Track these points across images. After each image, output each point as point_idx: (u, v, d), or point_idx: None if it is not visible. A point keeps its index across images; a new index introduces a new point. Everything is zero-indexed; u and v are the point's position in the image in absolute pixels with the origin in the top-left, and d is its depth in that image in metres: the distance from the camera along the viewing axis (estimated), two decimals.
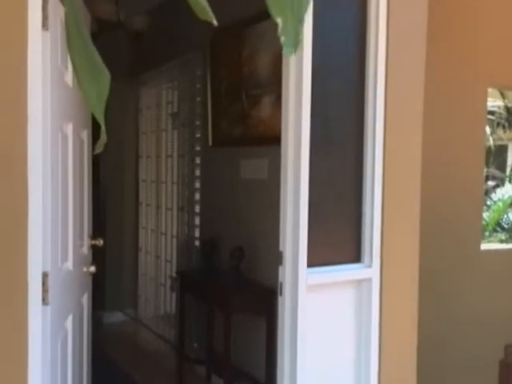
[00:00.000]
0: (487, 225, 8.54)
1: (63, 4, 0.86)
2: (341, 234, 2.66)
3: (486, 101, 4.15)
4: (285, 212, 2.42)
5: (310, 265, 2.42)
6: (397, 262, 2.73)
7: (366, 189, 2.63)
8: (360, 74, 2.61)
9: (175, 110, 5.21)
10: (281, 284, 2.45)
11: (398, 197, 2.71)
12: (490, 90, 4.43)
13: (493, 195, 9.55)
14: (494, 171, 11.25)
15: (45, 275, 1.83)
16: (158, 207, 5.52)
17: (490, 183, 10.13)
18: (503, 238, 8.59)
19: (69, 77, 2.18)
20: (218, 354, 3.76)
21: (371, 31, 2.59)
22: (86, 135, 2.65)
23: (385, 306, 2.67)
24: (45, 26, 1.80)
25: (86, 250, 2.69)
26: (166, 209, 5.35)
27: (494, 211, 9.04)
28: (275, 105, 3.30)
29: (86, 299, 2.73)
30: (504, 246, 7.62)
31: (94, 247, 2.82)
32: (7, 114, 1.79)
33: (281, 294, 2.46)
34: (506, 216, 9.20)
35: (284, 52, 0.80)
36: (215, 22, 0.79)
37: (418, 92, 2.75)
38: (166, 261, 5.34)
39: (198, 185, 4.67)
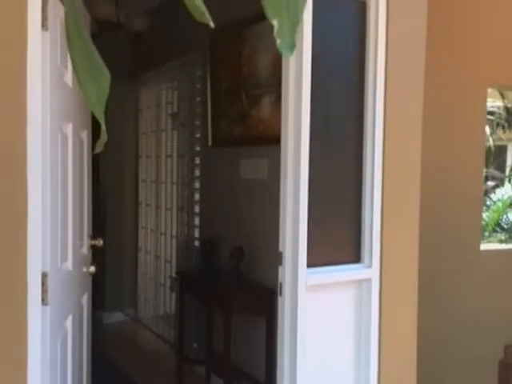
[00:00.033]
0: (487, 225, 8.54)
1: (63, 4, 0.86)
2: (341, 234, 2.66)
3: (485, 101, 4.15)
4: (284, 212, 2.42)
5: (309, 265, 2.42)
6: (397, 262, 2.74)
7: (365, 189, 2.63)
8: (360, 76, 2.62)
9: (175, 110, 5.21)
10: (281, 284, 2.45)
11: (397, 197, 2.71)
12: (489, 90, 4.43)
13: (492, 195, 9.56)
14: (493, 171, 11.26)
15: (44, 275, 1.83)
16: (158, 207, 5.52)
17: (490, 183, 10.14)
18: (503, 238, 8.59)
19: (68, 77, 2.18)
20: (218, 354, 3.76)
21: (371, 35, 2.59)
22: (85, 135, 2.65)
23: (384, 306, 2.68)
24: (44, 26, 1.80)
25: (85, 250, 2.69)
26: (166, 209, 5.35)
27: (493, 211, 9.05)
28: (275, 105, 3.30)
29: (85, 299, 2.73)
30: (504, 246, 7.62)
31: (93, 247, 2.82)
32: (7, 114, 1.79)
33: (281, 294, 2.46)
34: (505, 216, 9.21)
35: (284, 53, 0.80)
36: (212, 24, 0.78)
37: (417, 94, 2.76)
38: (166, 261, 5.34)
39: (197, 185, 4.67)
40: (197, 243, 4.64)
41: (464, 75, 3.90)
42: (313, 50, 2.36)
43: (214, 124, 4.15)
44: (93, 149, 2.74)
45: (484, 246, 4.85)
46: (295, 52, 2.33)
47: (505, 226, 9.10)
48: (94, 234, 2.84)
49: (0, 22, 1.76)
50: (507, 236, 8.66)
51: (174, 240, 5.15)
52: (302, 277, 2.39)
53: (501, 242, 8.30)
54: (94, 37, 0.92)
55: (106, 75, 0.88)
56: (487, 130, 9.00)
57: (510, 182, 10.78)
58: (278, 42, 0.78)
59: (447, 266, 3.87)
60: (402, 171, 2.73)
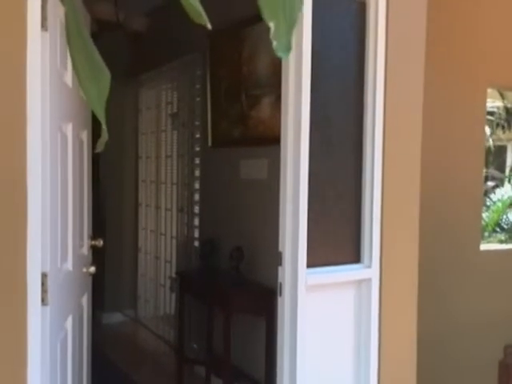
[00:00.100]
0: (487, 225, 8.55)
1: (63, 4, 0.86)
2: (340, 235, 2.66)
3: (485, 101, 4.15)
4: (284, 212, 2.42)
5: (309, 265, 2.42)
6: (396, 262, 2.74)
7: (365, 189, 2.63)
8: (359, 76, 2.62)
9: (175, 110, 5.21)
10: (280, 284, 2.45)
11: (397, 197, 2.71)
12: (489, 90, 4.43)
13: (492, 196, 9.56)
14: (493, 172, 11.26)
15: (44, 276, 1.83)
16: (158, 208, 5.52)
17: (490, 184, 10.14)
18: (503, 238, 8.59)
19: (68, 77, 2.18)
20: (218, 354, 3.76)
21: (370, 35, 2.59)
22: (85, 135, 2.65)
23: (384, 307, 2.68)
24: (44, 26, 1.80)
25: (85, 250, 2.69)
26: (166, 209, 5.35)
27: (493, 212, 9.05)
28: (275, 105, 3.30)
29: (85, 300, 2.73)
30: (503, 246, 7.62)
31: (93, 248, 2.82)
32: (6, 114, 1.79)
33: (280, 295, 2.46)
34: (505, 216, 9.21)
35: (280, 55, 0.80)
36: (209, 26, 0.78)
37: (417, 94, 2.76)
38: (166, 261, 5.34)
39: (197, 185, 4.67)
40: (197, 243, 4.64)
41: (464, 75, 3.90)
42: (312, 50, 2.36)
43: (214, 124, 4.15)
44: (93, 148, 2.74)
45: (484, 247, 4.86)
46: (295, 52, 2.33)
47: (505, 227, 9.11)
48: (94, 235, 2.84)
49: None
50: (507, 236, 8.67)
51: (174, 240, 5.15)
52: (301, 277, 2.39)
53: (501, 242, 8.31)
54: (94, 37, 0.92)
55: (106, 74, 0.88)
56: (487, 130, 9.00)
57: (509, 182, 10.79)
58: (275, 43, 0.78)
59: (447, 266, 3.87)
60: (402, 171, 2.73)
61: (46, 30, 1.81)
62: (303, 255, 2.39)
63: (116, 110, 5.10)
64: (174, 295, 4.97)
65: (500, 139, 12.08)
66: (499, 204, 9.23)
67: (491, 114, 10.55)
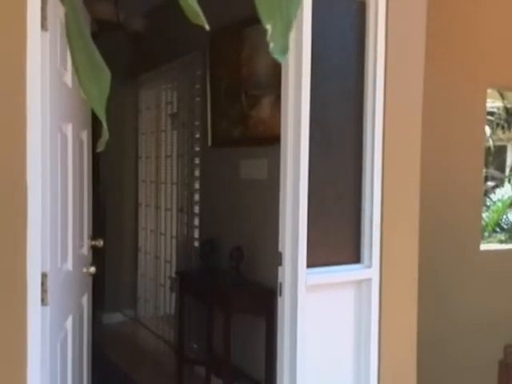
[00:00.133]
0: (487, 225, 8.55)
1: (63, 4, 0.86)
2: (340, 235, 2.66)
3: (485, 102, 4.15)
4: (284, 212, 2.42)
5: (309, 265, 2.42)
6: (396, 262, 2.74)
7: (365, 189, 2.63)
8: (359, 76, 2.61)
9: (175, 110, 5.21)
10: (280, 284, 2.45)
11: (397, 197, 2.71)
12: (489, 91, 4.43)
13: (492, 196, 9.56)
14: (493, 172, 11.27)
15: (44, 276, 1.83)
16: (158, 208, 5.52)
17: (490, 184, 10.14)
18: (503, 238, 8.60)
19: (68, 77, 2.18)
20: (218, 354, 3.76)
21: (370, 34, 2.59)
22: (85, 136, 2.65)
23: (384, 307, 2.68)
24: (44, 26, 1.80)
25: (85, 250, 2.69)
26: (166, 209, 5.35)
27: (493, 212, 9.05)
28: (274, 105, 3.30)
29: (85, 300, 2.73)
30: (503, 246, 7.63)
31: (94, 248, 2.82)
32: (6, 114, 1.79)
33: (280, 295, 2.46)
34: (505, 216, 9.21)
35: (276, 57, 0.79)
36: (207, 27, 0.78)
37: (416, 94, 2.76)
38: (166, 261, 5.34)
39: (197, 185, 4.67)
40: (196, 243, 4.64)
41: (464, 76, 3.90)
42: (312, 50, 2.36)
43: (214, 124, 4.15)
44: (94, 148, 2.74)
45: (484, 247, 4.86)
46: (295, 52, 2.33)
47: (504, 227, 9.11)
48: (94, 235, 2.84)
49: None
50: (507, 236, 8.67)
51: (174, 240, 5.15)
52: (301, 277, 2.39)
53: (501, 242, 8.31)
54: (94, 37, 0.92)
55: (106, 74, 0.88)
56: (487, 130, 9.00)
57: (509, 182, 10.79)
58: (271, 46, 0.78)
59: (447, 266, 3.87)
60: (402, 171, 2.73)
61: (46, 30, 1.81)
62: (303, 255, 2.39)
63: (116, 110, 5.10)
64: (173, 295, 4.97)
65: (500, 139, 12.08)
66: (499, 204, 9.23)
67: (491, 114, 10.55)
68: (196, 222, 4.68)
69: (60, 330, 2.13)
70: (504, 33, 4.06)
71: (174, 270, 5.05)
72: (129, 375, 4.43)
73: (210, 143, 4.23)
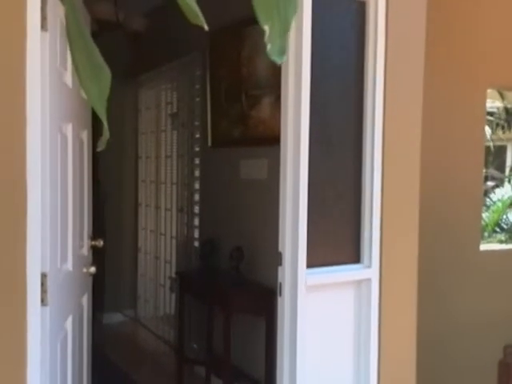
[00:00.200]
0: (486, 225, 8.54)
1: (63, 3, 0.86)
2: (340, 235, 2.66)
3: (485, 102, 4.15)
4: (284, 212, 2.42)
5: (309, 265, 2.42)
6: (396, 262, 2.74)
7: (365, 189, 2.63)
8: (359, 76, 2.61)
9: (174, 110, 5.21)
10: (280, 284, 2.45)
11: (397, 197, 2.71)
12: (489, 91, 4.43)
13: (492, 196, 9.56)
14: (493, 172, 11.26)
15: (44, 276, 1.83)
16: (158, 208, 5.52)
17: (489, 184, 10.14)
18: (502, 238, 8.59)
19: (68, 77, 2.18)
20: (218, 354, 3.76)
21: (370, 34, 2.59)
22: (85, 136, 2.65)
23: (384, 307, 2.68)
24: (43, 26, 1.80)
25: (86, 250, 2.69)
26: (166, 209, 5.35)
27: (493, 212, 9.05)
28: (274, 105, 3.30)
29: (85, 300, 2.73)
30: (503, 246, 7.62)
31: (93, 248, 2.82)
32: (6, 114, 1.79)
33: (280, 295, 2.46)
34: (505, 217, 9.21)
35: (273, 59, 0.79)
36: (206, 27, 0.78)
37: (416, 94, 2.76)
38: (166, 261, 5.34)
39: (197, 185, 4.67)
40: (196, 244, 4.64)
41: (464, 76, 3.90)
42: (312, 50, 2.36)
43: (214, 124, 4.15)
44: (94, 148, 2.74)
45: (484, 247, 4.85)
46: (295, 52, 2.33)
47: (504, 227, 9.10)
48: (94, 235, 2.84)
49: None
50: (507, 236, 8.67)
51: (174, 240, 5.15)
52: (301, 277, 2.39)
53: (500, 242, 8.31)
54: (94, 37, 0.92)
55: (106, 73, 0.88)
56: (487, 130, 9.00)
57: (509, 182, 10.79)
58: (269, 47, 0.78)
59: (447, 266, 3.87)
60: (402, 171, 2.73)
61: (46, 30, 1.81)
62: (303, 255, 2.39)
63: (116, 110, 5.08)
64: (173, 295, 4.97)
65: (500, 139, 12.08)
66: (499, 204, 9.23)
67: (491, 114, 10.55)
68: (196, 222, 4.68)
69: (60, 331, 2.13)
70: (504, 33, 4.06)
71: (173, 270, 5.05)
72: (129, 375, 4.42)
73: (209, 143, 4.23)
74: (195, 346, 4.45)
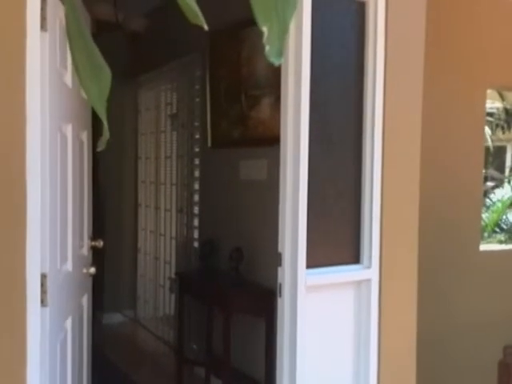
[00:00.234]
0: (486, 226, 8.55)
1: (63, 3, 0.86)
2: (340, 235, 2.66)
3: (484, 102, 4.16)
4: (284, 213, 2.42)
5: (309, 266, 2.42)
6: (396, 262, 2.73)
7: (364, 189, 2.63)
8: (359, 76, 2.61)
9: (174, 111, 5.21)
10: (280, 285, 2.45)
11: (396, 197, 2.71)
12: (488, 91, 4.43)
13: (492, 196, 9.57)
14: (492, 172, 11.27)
15: (43, 276, 1.83)
16: (157, 208, 5.52)
17: (489, 184, 10.15)
18: (502, 238, 8.59)
19: (68, 78, 2.18)
20: (217, 355, 3.76)
21: (370, 35, 2.59)
22: (85, 136, 2.65)
23: (384, 307, 2.67)
24: (43, 27, 1.80)
25: (85, 251, 2.69)
26: (165, 210, 5.35)
27: (493, 212, 9.05)
28: (274, 106, 3.30)
29: (85, 300, 2.73)
30: (503, 246, 7.62)
31: (93, 248, 2.82)
32: (6, 115, 1.79)
33: (280, 295, 2.46)
34: (504, 217, 9.21)
35: (271, 60, 0.79)
36: (206, 27, 0.78)
37: (416, 95, 2.76)
38: (165, 262, 5.34)
39: (197, 186, 4.67)
40: (196, 244, 4.63)
41: (463, 76, 3.90)
42: (312, 50, 2.36)
43: (214, 125, 4.15)
44: (94, 148, 2.74)
45: (483, 247, 4.86)
46: (294, 52, 2.33)
47: (504, 227, 9.11)
48: (94, 235, 2.84)
49: None
50: (506, 237, 8.67)
51: (174, 241, 5.15)
52: (301, 277, 2.39)
53: (500, 242, 8.31)
54: (93, 37, 0.92)
55: (106, 73, 0.88)
56: (487, 131, 9.01)
57: (509, 182, 10.79)
58: (267, 48, 0.78)
59: (447, 266, 3.87)
60: (402, 171, 2.73)
61: (46, 30, 1.81)
62: (303, 256, 2.39)
63: (115, 110, 5.07)
64: (173, 296, 4.97)
65: (499, 140, 12.09)
66: (499, 204, 9.23)
67: (491, 115, 10.56)
68: (196, 222, 4.68)
69: (60, 331, 2.13)
70: (504, 33, 4.06)
71: (173, 270, 5.05)
72: (128, 376, 4.42)
73: (209, 144, 4.23)
74: (195, 346, 4.45)
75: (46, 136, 1.84)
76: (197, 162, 4.65)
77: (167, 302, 5.24)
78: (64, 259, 2.18)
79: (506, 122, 11.67)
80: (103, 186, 5.61)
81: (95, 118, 0.90)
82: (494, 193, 9.84)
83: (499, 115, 11.46)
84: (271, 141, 3.01)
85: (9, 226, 1.80)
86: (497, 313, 4.06)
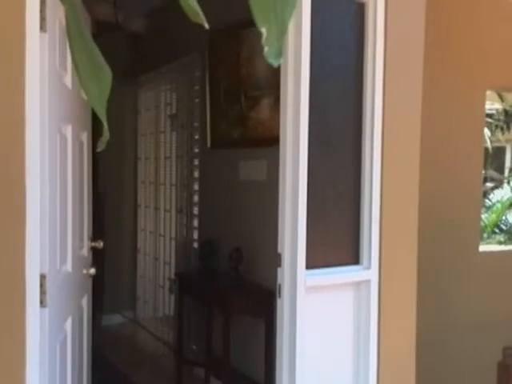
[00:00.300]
0: (486, 226, 8.55)
1: (63, 3, 0.86)
2: (339, 236, 2.66)
3: (484, 103, 4.16)
4: (283, 213, 2.42)
5: (308, 266, 2.42)
6: (396, 263, 2.73)
7: (364, 190, 2.63)
8: (358, 77, 2.61)
9: (174, 111, 5.21)
10: (279, 286, 2.45)
11: (396, 198, 2.71)
12: (488, 92, 4.43)
13: (491, 197, 9.57)
14: (492, 173, 11.28)
15: (43, 277, 1.83)
16: (157, 209, 5.52)
17: (489, 185, 10.15)
18: (502, 239, 8.59)
19: (68, 79, 2.17)
20: (217, 355, 3.76)
21: (369, 36, 2.59)
22: (85, 137, 2.65)
23: (383, 308, 2.67)
24: (43, 27, 1.80)
25: (85, 252, 2.68)
26: (165, 210, 5.35)
27: (492, 213, 9.05)
28: (274, 106, 3.30)
29: (85, 301, 2.73)
30: (502, 247, 7.62)
31: (93, 249, 2.82)
32: (5, 116, 1.79)
33: (279, 296, 2.46)
34: (504, 218, 9.21)
35: (270, 61, 0.79)
36: (207, 26, 0.78)
37: (415, 96, 2.76)
38: (165, 263, 5.34)
39: (196, 186, 4.67)
40: (196, 245, 4.63)
41: (463, 77, 3.90)
42: (311, 51, 2.36)
43: (213, 125, 4.15)
44: (94, 148, 2.74)
45: (483, 248, 4.86)
46: (294, 53, 2.33)
47: (504, 228, 9.11)
48: (94, 236, 2.84)
49: None
50: (506, 237, 8.67)
51: (173, 242, 5.15)
52: (300, 278, 2.39)
53: (500, 243, 8.31)
54: (93, 37, 0.92)
55: (107, 73, 0.88)
56: (486, 132, 9.01)
57: (508, 183, 10.80)
58: (266, 49, 0.78)
59: (446, 267, 3.87)
60: (401, 172, 2.73)
61: (45, 31, 1.81)
62: (302, 256, 2.39)
63: (115, 111, 5.06)
64: (173, 296, 4.97)
65: (499, 140, 12.10)
66: (498, 205, 9.23)
67: (490, 116, 10.56)
68: (195, 223, 4.68)
69: (59, 332, 2.13)
70: (503, 34, 4.06)
71: (173, 271, 5.05)
72: (128, 377, 4.42)
73: (209, 144, 4.23)
74: (194, 347, 4.45)
75: (45, 137, 1.84)
76: (196, 162, 4.65)
77: (167, 303, 5.24)
78: (64, 260, 2.18)
79: (506, 123, 11.67)
80: (103, 187, 5.61)
81: (95, 118, 0.90)
82: (494, 193, 9.84)
83: (498, 116, 11.46)
84: (271, 141, 3.01)
85: (8, 226, 1.79)
86: (496, 314, 4.06)
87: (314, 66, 2.38)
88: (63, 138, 2.16)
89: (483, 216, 8.08)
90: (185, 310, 4.18)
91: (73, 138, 2.32)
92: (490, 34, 4.00)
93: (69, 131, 2.26)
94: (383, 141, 2.62)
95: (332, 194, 2.60)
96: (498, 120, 11.54)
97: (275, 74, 2.69)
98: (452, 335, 3.89)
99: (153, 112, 5.61)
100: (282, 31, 0.79)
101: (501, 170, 12.34)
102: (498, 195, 9.72)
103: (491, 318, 4.03)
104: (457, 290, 3.95)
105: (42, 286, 1.82)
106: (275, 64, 0.79)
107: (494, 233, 8.94)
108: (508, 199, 9.43)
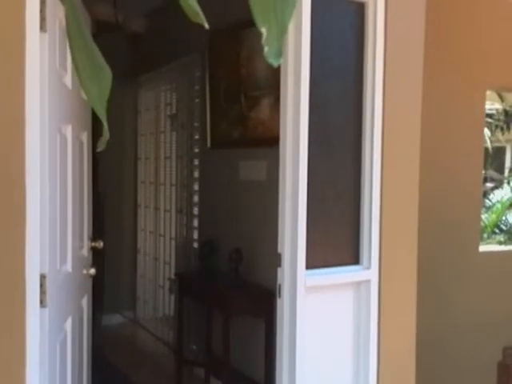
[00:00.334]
0: (486, 227, 8.55)
1: (63, 3, 0.86)
2: (339, 236, 2.66)
3: (484, 103, 4.16)
4: (283, 213, 2.42)
5: (308, 266, 2.42)
6: (395, 263, 2.73)
7: (364, 190, 2.63)
8: (358, 77, 2.62)
9: (174, 111, 5.21)
10: (279, 286, 2.45)
11: (396, 198, 2.71)
12: (488, 92, 4.43)
13: (491, 197, 9.57)
14: (492, 173, 11.28)
15: (43, 277, 1.83)
16: (157, 209, 5.52)
17: (489, 185, 10.15)
18: (502, 239, 8.59)
19: (68, 79, 2.17)
20: (217, 355, 3.76)
21: (369, 36, 2.59)
22: (85, 137, 2.65)
23: (383, 308, 2.67)
24: (43, 27, 1.80)
25: (85, 252, 2.68)
26: (165, 211, 5.35)
27: (492, 213, 9.05)
28: (274, 106, 3.30)
29: (85, 301, 2.73)
30: (502, 247, 7.62)
31: (93, 249, 2.82)
32: (5, 116, 1.79)
33: (279, 296, 2.46)
34: (504, 218, 9.21)
35: (270, 61, 0.79)
36: (207, 25, 0.78)
37: (415, 96, 2.76)
38: (165, 263, 5.34)
39: (196, 187, 4.67)
40: (196, 245, 4.63)
41: (463, 77, 3.90)
42: (311, 51, 2.36)
43: (213, 126, 4.15)
44: (94, 148, 2.74)
45: (483, 248, 4.86)
46: (294, 53, 2.33)
47: (504, 228, 9.11)
48: (94, 236, 2.84)
49: None
50: (506, 238, 8.67)
51: (173, 242, 5.15)
52: (300, 278, 2.39)
53: (500, 243, 8.31)
54: (93, 37, 0.92)
55: (107, 73, 0.88)
56: (486, 132, 9.01)
57: (508, 183, 10.80)
58: (266, 49, 0.78)
59: (446, 267, 3.87)
60: (401, 172, 2.73)
61: (45, 31, 1.81)
62: (302, 256, 2.39)
63: (115, 111, 5.06)
64: (173, 297, 4.97)
65: (499, 140, 12.10)
66: (498, 205, 9.24)
67: (490, 116, 10.57)
68: (195, 223, 4.68)
69: (59, 332, 2.13)
70: (503, 34, 4.06)
71: (173, 271, 5.05)
72: (128, 377, 4.42)
73: (209, 144, 4.23)
74: (194, 347, 4.45)
75: (45, 137, 1.84)
76: (196, 162, 4.65)
77: (167, 303, 5.24)
78: (64, 260, 2.18)
79: (506, 123, 11.67)
80: (103, 187, 5.61)
81: (95, 118, 0.90)
82: (494, 194, 9.84)
83: (498, 116, 11.46)
84: (271, 141, 3.01)
85: (8, 226, 1.79)
86: (496, 314, 4.06)
87: (314, 66, 2.38)
88: (63, 138, 2.16)
89: (483, 216, 8.08)
90: (185, 310, 4.18)
91: (73, 138, 2.32)
92: (490, 34, 4.00)
93: (69, 131, 2.26)
94: (383, 141, 2.62)
95: (332, 193, 2.60)
96: (498, 120, 11.54)
97: (275, 74, 2.69)
98: (452, 335, 3.89)
99: (153, 112, 5.61)
100: (282, 31, 0.79)
101: (501, 170, 12.34)
102: (498, 195, 9.72)
103: (491, 317, 4.03)
104: (457, 290, 3.95)
105: (42, 286, 1.82)
106: (275, 64, 0.79)
107: (494, 233, 8.94)
108: (508, 199, 9.43)
